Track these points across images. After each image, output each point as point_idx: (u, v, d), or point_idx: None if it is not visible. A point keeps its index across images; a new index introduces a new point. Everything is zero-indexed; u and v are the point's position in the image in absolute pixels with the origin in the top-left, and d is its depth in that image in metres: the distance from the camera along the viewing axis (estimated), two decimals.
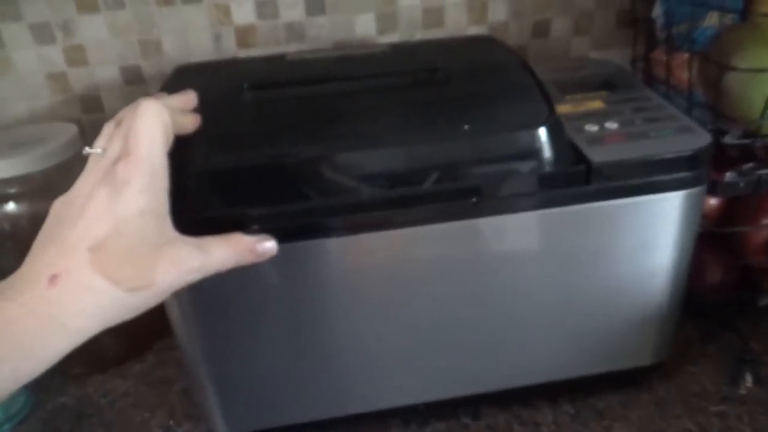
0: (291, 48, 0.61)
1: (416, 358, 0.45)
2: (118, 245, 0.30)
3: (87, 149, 0.34)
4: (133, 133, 0.32)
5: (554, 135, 0.38)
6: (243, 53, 0.61)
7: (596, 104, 0.46)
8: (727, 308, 0.57)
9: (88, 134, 0.61)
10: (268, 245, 0.35)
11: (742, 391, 0.50)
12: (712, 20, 0.49)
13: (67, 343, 0.30)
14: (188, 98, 0.37)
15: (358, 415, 0.47)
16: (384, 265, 0.40)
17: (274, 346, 0.43)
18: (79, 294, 0.29)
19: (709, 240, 0.51)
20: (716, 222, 0.54)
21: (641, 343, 0.48)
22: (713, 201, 0.53)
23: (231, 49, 0.61)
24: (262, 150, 0.38)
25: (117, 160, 0.31)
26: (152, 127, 0.32)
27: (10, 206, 0.50)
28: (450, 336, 0.44)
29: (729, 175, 0.47)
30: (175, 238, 0.32)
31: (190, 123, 0.36)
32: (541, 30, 0.64)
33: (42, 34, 0.58)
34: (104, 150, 0.33)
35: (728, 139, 0.48)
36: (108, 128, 0.34)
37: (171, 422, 0.51)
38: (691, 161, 0.40)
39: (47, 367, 0.30)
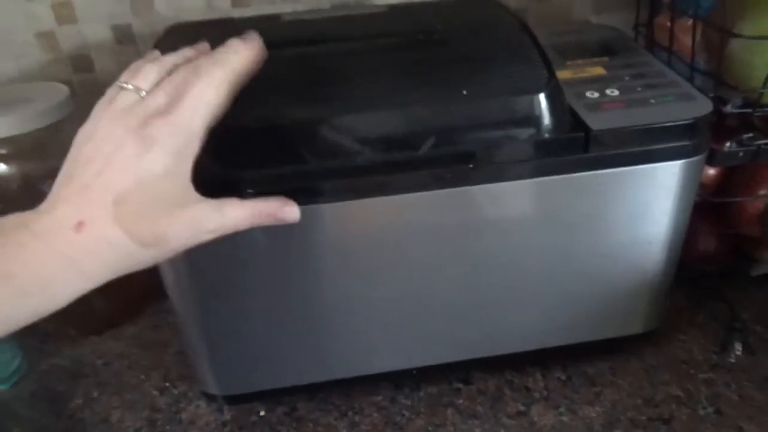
0: (286, 8, 0.60)
1: (409, 324, 0.45)
2: (139, 202, 0.31)
3: (122, 83, 0.33)
4: (188, 95, 0.31)
5: (553, 101, 0.38)
6: (236, 12, 0.59)
7: (597, 70, 0.45)
8: (717, 277, 0.57)
9: (79, 95, 0.59)
10: (289, 211, 0.35)
11: (731, 360, 0.51)
12: None
13: (80, 286, 0.31)
14: (203, 50, 0.37)
15: (350, 379, 0.48)
16: (378, 230, 0.40)
17: (268, 310, 0.43)
18: (100, 243, 0.30)
19: (703, 209, 0.50)
20: (712, 191, 0.54)
21: (633, 312, 0.48)
22: (711, 170, 0.53)
23: (224, 7, 0.59)
24: (256, 112, 0.37)
25: (157, 113, 0.31)
26: (210, 98, 0.32)
27: (0, 167, 0.49)
28: (443, 302, 0.44)
29: (728, 145, 0.46)
30: (195, 200, 0.33)
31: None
32: None
33: None
34: (137, 89, 0.32)
35: (729, 108, 0.47)
36: (148, 66, 0.33)
37: (166, 384, 0.52)
38: (691, 129, 0.39)
39: (59, 308, 0.31)
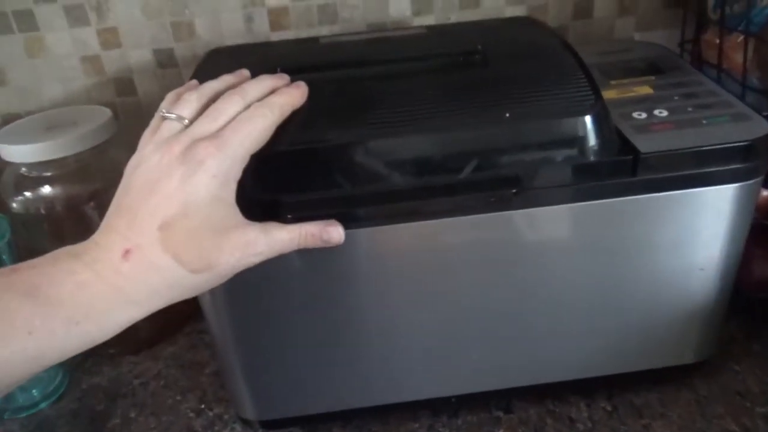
0: (324, 30, 0.60)
1: (448, 350, 0.44)
2: (186, 227, 0.31)
3: (164, 113, 0.34)
4: (236, 128, 0.32)
5: (600, 123, 0.36)
6: (275, 36, 0.60)
7: (644, 90, 0.43)
8: None
9: (122, 117, 0.61)
10: (334, 232, 0.35)
11: None
12: None
13: (131, 315, 0.31)
14: (243, 76, 0.38)
15: (387, 406, 0.47)
16: (418, 255, 0.39)
17: (305, 335, 0.42)
18: (148, 270, 0.30)
19: (759, 233, 0.48)
20: (767, 214, 0.51)
21: (684, 341, 0.46)
22: (765, 192, 0.50)
23: (263, 31, 0.60)
24: (295, 135, 0.37)
25: (202, 138, 0.32)
26: (257, 131, 0.33)
27: (45, 189, 0.50)
28: (483, 329, 0.43)
29: None
30: (242, 224, 0.33)
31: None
32: (583, 10, 0.62)
33: (76, 15, 0.58)
34: (180, 117, 0.33)
35: None
36: (188, 95, 0.34)
37: (202, 406, 0.51)
38: (747, 151, 0.37)
39: (110, 336, 0.31)
